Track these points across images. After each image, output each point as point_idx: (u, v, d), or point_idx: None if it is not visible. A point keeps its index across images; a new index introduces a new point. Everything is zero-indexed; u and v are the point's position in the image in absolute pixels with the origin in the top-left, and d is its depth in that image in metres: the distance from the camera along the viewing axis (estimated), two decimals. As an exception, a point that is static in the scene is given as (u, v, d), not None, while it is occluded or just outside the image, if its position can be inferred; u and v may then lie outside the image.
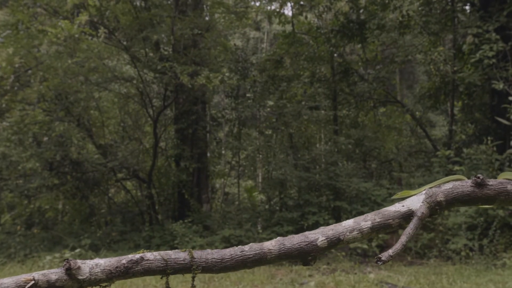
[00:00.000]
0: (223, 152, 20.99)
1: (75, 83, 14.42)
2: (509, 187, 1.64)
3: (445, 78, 15.47)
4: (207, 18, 17.06)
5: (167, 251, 1.58)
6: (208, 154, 18.61)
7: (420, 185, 11.64)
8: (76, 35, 12.36)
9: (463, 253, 10.87)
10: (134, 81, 16.16)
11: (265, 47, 25.77)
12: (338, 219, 13.96)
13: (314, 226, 13.71)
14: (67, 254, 10.50)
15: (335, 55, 17.99)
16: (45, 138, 14.47)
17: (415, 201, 1.65)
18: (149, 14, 14.86)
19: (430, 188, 1.67)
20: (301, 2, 17.79)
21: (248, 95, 18.09)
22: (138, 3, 15.78)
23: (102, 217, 17.01)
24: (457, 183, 1.66)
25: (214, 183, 21.05)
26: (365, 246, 12.88)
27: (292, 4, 18.12)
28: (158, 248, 13.51)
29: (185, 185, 16.37)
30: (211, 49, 16.43)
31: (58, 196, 16.37)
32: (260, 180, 19.10)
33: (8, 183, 14.78)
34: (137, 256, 1.53)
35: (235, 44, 18.62)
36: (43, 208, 16.91)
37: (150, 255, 1.54)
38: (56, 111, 14.82)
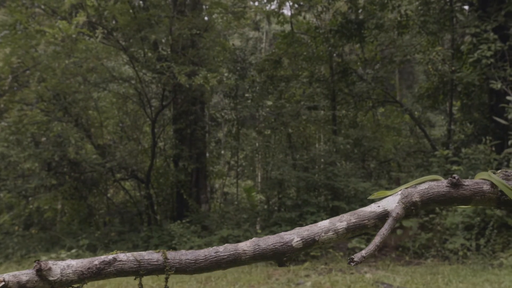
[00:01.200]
0: (222, 152, 21.01)
1: (73, 83, 14.42)
2: (485, 187, 1.63)
3: (444, 78, 15.46)
4: (206, 18, 17.05)
5: (141, 252, 1.57)
6: (208, 155, 18.61)
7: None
8: (74, 36, 12.35)
9: (460, 253, 10.86)
10: (133, 81, 16.15)
11: (264, 47, 25.75)
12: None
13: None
14: (63, 254, 10.51)
15: (334, 55, 17.97)
16: (43, 139, 14.46)
17: (391, 202, 1.64)
18: (147, 14, 14.85)
19: (406, 188, 1.66)
20: (301, 3, 17.79)
21: (247, 95, 18.10)
22: (136, 3, 15.78)
23: (101, 217, 17.02)
24: (433, 183, 1.65)
25: (214, 183, 21.06)
26: (363, 246, 12.86)
27: (291, 3, 18.11)
28: (156, 248, 13.51)
29: (184, 185, 16.37)
30: (210, 49, 16.42)
31: (56, 196, 16.37)
32: (259, 180, 19.10)
33: (7, 183, 14.78)
34: (109, 257, 1.52)
35: (233, 44, 18.61)
36: (42, 209, 16.92)
37: (123, 256, 1.54)
38: (54, 111, 14.82)
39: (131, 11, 15.06)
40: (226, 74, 17.10)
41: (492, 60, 12.91)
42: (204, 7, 17.37)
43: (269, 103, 17.86)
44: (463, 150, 13.34)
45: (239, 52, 18.17)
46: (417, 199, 1.62)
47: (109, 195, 17.87)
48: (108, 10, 14.59)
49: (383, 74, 16.92)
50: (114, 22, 15.49)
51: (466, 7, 16.12)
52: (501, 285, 7.40)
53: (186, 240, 13.48)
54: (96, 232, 15.09)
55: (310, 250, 1.69)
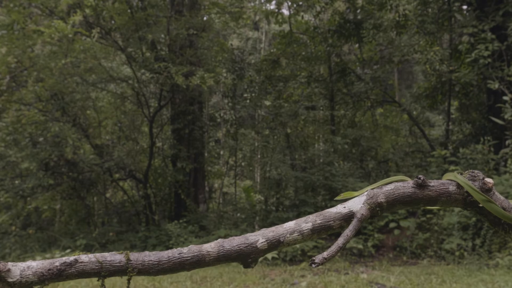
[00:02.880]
0: (221, 152, 21.00)
1: (71, 83, 14.42)
2: (450, 188, 1.62)
3: (442, 78, 15.43)
4: (205, 18, 17.04)
5: (104, 253, 1.56)
6: (206, 155, 18.60)
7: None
8: (70, 35, 12.35)
9: (457, 253, 10.84)
10: (130, 81, 16.15)
11: (263, 47, 25.74)
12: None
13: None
14: (58, 254, 10.50)
15: (332, 55, 17.95)
16: (41, 139, 14.47)
17: (357, 203, 1.63)
18: (144, 14, 14.85)
19: (372, 189, 1.65)
20: (300, 3, 17.77)
21: (245, 95, 18.09)
22: (134, 3, 15.77)
23: (99, 217, 17.03)
24: (399, 184, 1.64)
25: (213, 183, 21.06)
26: (360, 246, 12.86)
27: (289, 3, 18.09)
28: (154, 248, 13.50)
29: (182, 185, 16.36)
30: (207, 49, 16.42)
31: (54, 197, 16.38)
32: (258, 180, 19.10)
33: (4, 183, 14.79)
34: (71, 258, 1.51)
35: (231, 44, 18.61)
36: (41, 209, 16.93)
37: (84, 257, 1.53)
38: (52, 111, 14.82)
39: (129, 11, 15.06)
40: (224, 75, 17.08)
41: (489, 60, 12.88)
42: (203, 7, 17.36)
43: (268, 103, 17.85)
44: (460, 150, 13.32)
45: (237, 52, 18.16)
46: (383, 200, 1.61)
47: (108, 195, 17.87)
48: (106, 10, 14.59)
49: (381, 74, 16.90)
50: (112, 22, 15.49)
51: (465, 7, 16.10)
52: (495, 285, 7.38)
53: (184, 240, 13.47)
54: (94, 232, 15.09)
55: (275, 251, 1.68)
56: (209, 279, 9.45)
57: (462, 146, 14.19)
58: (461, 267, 9.64)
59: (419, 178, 1.61)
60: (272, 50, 19.08)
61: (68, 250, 11.18)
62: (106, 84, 16.52)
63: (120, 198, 18.25)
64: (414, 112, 17.89)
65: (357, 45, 18.04)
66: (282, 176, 15.32)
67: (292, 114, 16.91)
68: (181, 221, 14.51)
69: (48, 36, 12.09)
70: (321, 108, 17.93)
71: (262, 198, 16.74)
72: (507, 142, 12.09)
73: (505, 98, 11.49)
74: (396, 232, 13.24)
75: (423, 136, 17.67)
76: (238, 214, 16.31)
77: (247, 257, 1.61)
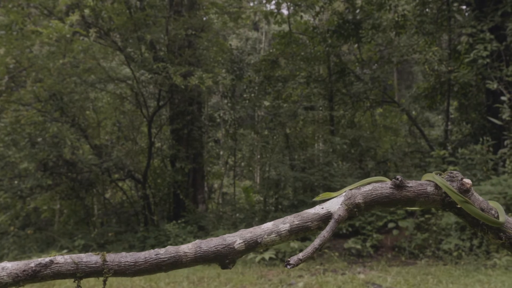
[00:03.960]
0: (221, 153, 21.00)
1: (69, 83, 14.43)
2: (429, 188, 1.61)
3: (441, 78, 15.42)
4: (204, 19, 17.03)
5: (80, 254, 1.56)
6: (205, 155, 18.59)
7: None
8: (68, 35, 12.35)
9: (455, 254, 10.82)
10: (129, 81, 16.15)
11: (263, 47, 25.74)
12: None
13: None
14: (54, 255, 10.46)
15: (332, 55, 17.93)
16: (39, 139, 14.47)
17: (335, 204, 1.63)
18: (143, 14, 14.85)
19: (350, 190, 1.64)
20: (299, 3, 17.76)
21: (245, 95, 18.09)
22: (133, 3, 15.77)
23: (99, 217, 17.02)
24: (377, 184, 1.63)
25: (212, 183, 21.05)
26: (359, 247, 12.84)
27: (289, 4, 18.08)
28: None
29: (181, 185, 16.36)
30: (206, 50, 16.41)
31: (53, 197, 16.38)
32: (258, 181, 19.09)
33: (3, 183, 14.79)
34: (46, 259, 1.51)
35: (230, 45, 18.60)
36: (40, 209, 16.93)
37: (60, 258, 1.52)
38: (50, 111, 14.82)
39: (127, 11, 15.06)
40: (224, 75, 17.08)
41: (488, 60, 12.87)
42: (203, 7, 17.35)
43: (267, 103, 17.84)
44: (459, 150, 13.31)
45: (236, 52, 18.16)
46: (360, 201, 1.61)
47: (107, 195, 17.87)
48: (105, 10, 14.59)
49: (380, 74, 16.88)
50: (110, 22, 15.49)
51: (464, 7, 16.09)
52: (491, 285, 7.37)
53: (182, 240, 13.47)
54: (92, 232, 15.10)
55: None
56: (207, 279, 9.45)
57: (461, 146, 14.17)
58: (459, 267, 9.63)
59: (397, 179, 1.60)
60: (271, 50, 19.06)
61: (64, 251, 11.18)
62: (106, 85, 16.52)
63: (119, 199, 18.25)
64: (414, 112, 17.87)
65: (356, 45, 18.02)
66: (281, 176, 15.32)
67: (291, 114, 16.90)
68: (179, 221, 14.51)
69: (46, 36, 12.09)
70: (320, 108, 17.91)
71: (261, 198, 16.74)
72: (505, 142, 12.07)
73: (503, 98, 11.46)
74: (395, 232, 13.23)
75: (422, 136, 17.65)
76: (237, 214, 16.30)
77: (224, 258, 1.60)
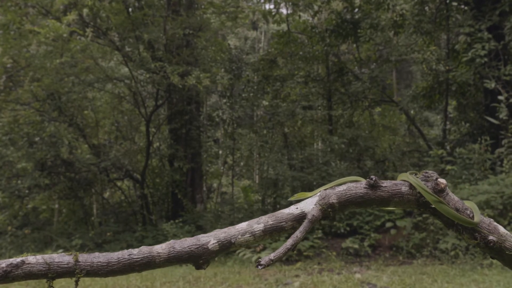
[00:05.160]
0: (220, 152, 20.99)
1: (67, 83, 14.43)
2: (403, 188, 1.60)
3: (439, 78, 15.41)
4: (205, 17, 17.00)
5: (52, 255, 1.55)
6: (205, 155, 18.58)
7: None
8: (65, 35, 12.35)
9: (452, 253, 10.81)
10: (127, 81, 16.14)
11: (262, 46, 25.72)
12: (332, 219, 13.92)
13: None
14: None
15: (330, 54, 17.92)
16: (37, 138, 14.47)
17: (309, 204, 1.62)
18: (140, 13, 14.85)
19: (325, 190, 1.64)
20: (297, 2, 17.74)
21: (244, 95, 18.08)
22: (131, 2, 15.77)
23: (98, 217, 17.03)
24: (351, 184, 1.63)
25: (212, 183, 21.05)
26: (357, 246, 12.83)
27: (287, 3, 18.07)
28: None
29: (179, 185, 16.35)
30: (204, 49, 16.40)
31: (52, 196, 16.38)
32: (257, 180, 19.09)
33: (1, 183, 14.80)
34: (18, 259, 1.50)
35: (228, 44, 18.59)
36: (39, 208, 16.94)
37: (32, 258, 1.52)
38: (48, 111, 14.82)
39: (125, 10, 15.05)
40: (222, 74, 17.07)
41: (486, 59, 12.85)
42: (202, 6, 17.33)
43: (265, 103, 17.84)
44: (457, 149, 13.29)
45: (235, 52, 18.15)
46: (335, 201, 1.60)
47: (106, 195, 17.88)
48: (103, 10, 14.59)
49: (378, 73, 16.86)
50: (109, 22, 15.48)
51: (463, 7, 16.06)
52: (486, 284, 7.36)
53: (180, 240, 13.45)
54: (90, 232, 15.10)
55: (227, 252, 1.66)
56: (203, 279, 9.45)
57: (460, 145, 14.15)
58: (455, 266, 9.62)
59: (371, 179, 1.59)
60: (269, 50, 19.05)
61: (60, 250, 11.18)
62: (104, 84, 16.52)
63: (117, 198, 18.25)
64: (412, 112, 17.84)
65: (354, 45, 18.00)
66: (279, 175, 15.31)
67: (290, 113, 16.89)
68: (177, 221, 14.51)
69: (43, 36, 12.09)
70: (319, 107, 17.90)
71: (260, 198, 16.74)
72: (503, 142, 12.06)
73: (500, 97, 11.45)
74: (393, 231, 13.21)
75: (421, 136, 17.63)
76: (236, 214, 16.29)
77: (198, 258, 1.60)
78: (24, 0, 13.48)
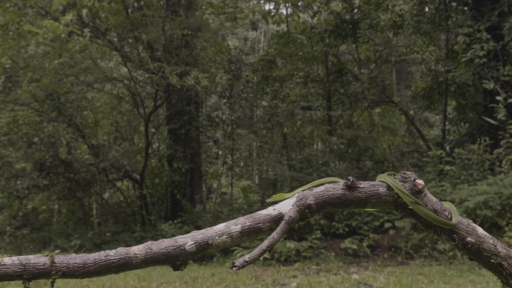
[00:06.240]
0: (219, 152, 20.99)
1: (66, 83, 14.43)
2: (381, 190, 1.60)
3: (438, 78, 15.39)
4: (204, 17, 17.00)
5: (28, 256, 1.55)
6: (204, 155, 18.58)
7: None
8: (63, 35, 12.36)
9: (450, 254, 10.79)
10: (126, 81, 16.14)
11: (262, 47, 25.72)
12: (331, 219, 13.93)
13: (306, 226, 13.68)
14: (47, 255, 10.46)
15: (330, 55, 17.91)
16: (36, 139, 14.48)
17: (287, 205, 1.61)
18: (139, 13, 14.85)
19: (303, 191, 1.63)
20: (297, 3, 17.73)
21: (243, 95, 18.08)
22: (130, 3, 15.77)
23: (97, 217, 17.03)
24: (329, 185, 1.62)
25: (211, 183, 21.05)
26: (355, 247, 12.82)
27: (286, 3, 18.07)
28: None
29: (178, 185, 16.35)
30: (203, 50, 16.40)
31: (51, 197, 16.39)
32: (256, 180, 19.09)
33: (0, 183, 14.80)
34: (-7, 261, 1.50)
35: (228, 44, 18.59)
36: (39, 209, 16.94)
37: (7, 259, 1.52)
38: (47, 111, 14.83)
39: (124, 11, 15.05)
40: (221, 75, 17.07)
41: (485, 59, 12.83)
42: (200, 7, 17.32)
43: (265, 103, 17.83)
44: (456, 150, 13.27)
45: (234, 52, 18.15)
46: (312, 202, 1.59)
47: (105, 196, 17.88)
48: (102, 10, 14.59)
49: (378, 74, 16.85)
50: (108, 22, 15.49)
51: (462, 7, 16.05)
52: (483, 285, 7.34)
53: (178, 240, 13.44)
54: (89, 232, 15.10)
55: (205, 253, 1.66)
56: (200, 279, 9.44)
57: (459, 146, 14.13)
58: (453, 267, 9.60)
59: (349, 180, 1.59)
60: (269, 50, 19.05)
61: (57, 251, 11.19)
62: (103, 85, 16.52)
63: (117, 199, 18.26)
64: (411, 112, 17.83)
65: (354, 45, 17.99)
66: (278, 176, 15.30)
67: (289, 114, 16.88)
68: (176, 221, 14.51)
69: (42, 36, 12.09)
70: (318, 108, 17.90)
71: (259, 198, 16.73)
72: (501, 142, 12.04)
73: (498, 98, 11.43)
74: (392, 232, 13.19)
75: (420, 136, 17.61)
76: (235, 214, 16.29)
77: (175, 260, 1.59)
78: (23, 1, 13.48)
